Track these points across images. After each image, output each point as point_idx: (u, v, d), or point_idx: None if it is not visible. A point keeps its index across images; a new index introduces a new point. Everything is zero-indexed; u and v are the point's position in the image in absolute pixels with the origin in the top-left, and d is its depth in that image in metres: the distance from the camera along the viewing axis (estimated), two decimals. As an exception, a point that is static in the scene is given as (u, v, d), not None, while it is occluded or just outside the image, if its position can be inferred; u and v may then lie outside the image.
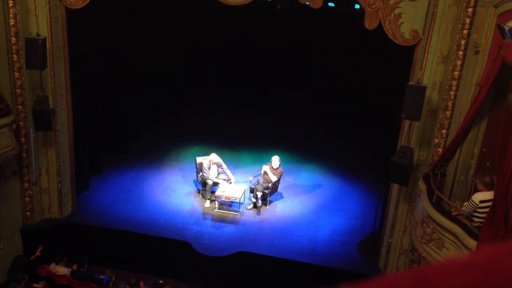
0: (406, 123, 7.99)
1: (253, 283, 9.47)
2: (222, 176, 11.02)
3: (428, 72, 7.57)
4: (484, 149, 6.59)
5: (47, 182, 9.76)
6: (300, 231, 10.14)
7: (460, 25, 7.00)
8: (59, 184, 9.82)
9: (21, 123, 9.01)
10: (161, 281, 9.28)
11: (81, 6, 8.63)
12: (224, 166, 11.08)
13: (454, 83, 7.17)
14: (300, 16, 11.79)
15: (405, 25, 7.50)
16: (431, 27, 7.39)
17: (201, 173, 11.01)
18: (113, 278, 9.55)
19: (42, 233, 9.71)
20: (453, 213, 6.41)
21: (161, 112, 14.10)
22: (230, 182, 10.93)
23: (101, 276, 9.32)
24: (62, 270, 9.09)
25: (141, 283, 8.88)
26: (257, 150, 12.99)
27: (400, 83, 7.90)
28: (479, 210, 6.13)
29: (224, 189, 10.71)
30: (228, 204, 10.81)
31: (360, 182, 11.91)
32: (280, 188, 11.28)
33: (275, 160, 10.82)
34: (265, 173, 10.79)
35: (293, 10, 10.96)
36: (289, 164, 12.06)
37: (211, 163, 10.89)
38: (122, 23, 11.11)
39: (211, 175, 10.86)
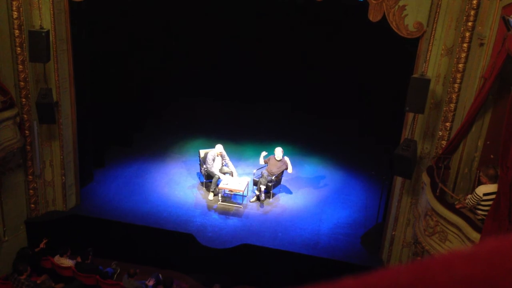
0: (410, 115, 7.97)
1: (256, 276, 9.51)
2: (225, 168, 11.02)
3: (432, 64, 7.54)
4: (488, 142, 6.58)
5: (51, 175, 9.80)
6: (303, 223, 10.16)
7: (464, 17, 6.96)
8: (63, 177, 9.86)
9: (25, 116, 9.03)
10: (160, 274, 9.32)
11: (84, -2, 8.63)
12: (227, 158, 11.09)
13: (459, 75, 7.14)
14: (304, 8, 11.74)
15: (410, 17, 7.46)
16: (436, 19, 7.35)
17: (204, 166, 11.03)
18: (118, 271, 9.60)
19: (47, 226, 9.76)
20: (457, 206, 6.41)
21: (164, 105, 14.11)
22: (232, 175, 10.93)
23: (105, 269, 9.37)
24: (66, 262, 9.14)
25: (137, 271, 8.88)
26: (260, 142, 12.99)
27: (405, 75, 7.88)
28: (482, 203, 6.12)
29: (227, 181, 10.73)
30: (231, 197, 10.83)
31: (364, 175, 11.91)
32: (283, 180, 11.30)
33: (278, 151, 10.82)
34: (269, 164, 10.82)
35: (296, 2, 10.92)
36: (292, 156, 12.04)
37: (217, 154, 10.89)
38: (125, 15, 11.09)
39: (215, 167, 10.86)
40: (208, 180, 10.97)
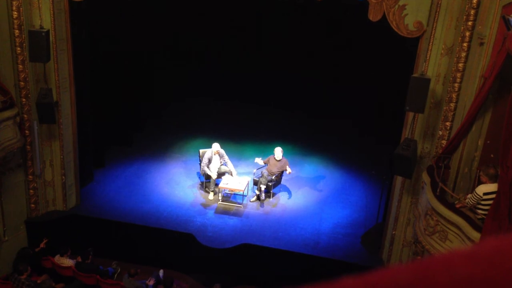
0: (410, 115, 7.97)
1: (256, 275, 9.51)
2: (224, 167, 10.99)
3: (432, 64, 7.54)
4: (488, 141, 6.58)
5: (51, 175, 9.81)
6: (304, 223, 10.16)
7: (464, 17, 6.96)
8: (63, 177, 9.86)
9: (25, 116, 9.03)
10: (161, 270, 9.35)
11: (84, -2, 8.63)
12: (226, 157, 11.05)
13: (459, 75, 7.14)
14: (304, 7, 11.74)
15: (410, 17, 7.46)
16: (436, 18, 7.35)
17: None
18: (118, 270, 9.60)
19: (47, 225, 9.77)
20: (457, 205, 6.41)
21: (164, 105, 14.11)
22: (231, 175, 10.91)
23: (106, 269, 9.38)
24: (66, 262, 9.14)
25: (138, 270, 8.90)
26: (261, 142, 12.99)
27: (405, 75, 7.88)
28: (483, 202, 6.13)
29: (227, 181, 10.72)
30: (230, 197, 10.83)
31: (364, 175, 11.90)
32: (284, 180, 11.29)
33: (278, 151, 10.80)
34: (269, 164, 10.81)
35: (296, 2, 10.91)
36: (292, 156, 12.06)
37: (214, 153, 10.86)
38: (125, 14, 11.09)
39: (213, 166, 10.82)
40: (208, 180, 10.96)
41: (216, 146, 10.87)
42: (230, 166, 11.01)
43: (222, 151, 10.98)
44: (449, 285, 0.57)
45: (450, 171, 7.06)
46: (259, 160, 10.89)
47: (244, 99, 14.22)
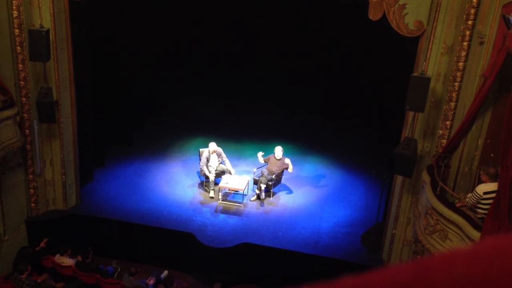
0: (410, 114, 7.97)
1: (256, 274, 9.51)
2: (222, 166, 10.98)
3: (433, 63, 7.53)
4: (488, 141, 6.58)
5: (52, 174, 9.81)
6: (304, 222, 10.16)
7: (464, 16, 6.96)
8: (63, 176, 9.86)
9: (25, 115, 9.03)
10: (166, 271, 9.36)
11: (84, -3, 8.63)
12: (223, 155, 11.04)
13: (459, 74, 7.14)
14: (304, 7, 11.73)
15: (410, 16, 7.46)
16: (436, 17, 7.35)
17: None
18: (119, 270, 9.61)
19: (47, 225, 9.77)
20: (457, 205, 6.41)
21: (164, 104, 14.11)
22: (230, 173, 10.91)
23: (106, 268, 9.38)
24: (67, 261, 9.14)
25: (138, 270, 8.90)
26: (261, 141, 12.99)
27: (405, 74, 7.88)
28: (483, 201, 6.13)
29: (227, 180, 10.72)
30: (230, 196, 10.82)
31: (364, 174, 11.90)
32: (284, 179, 11.29)
33: (278, 150, 10.81)
34: (269, 163, 10.81)
35: (296, 1, 10.92)
36: (292, 155, 12.04)
37: (212, 152, 10.86)
38: (125, 13, 11.09)
39: (211, 165, 10.81)
40: (208, 179, 10.96)
41: (212, 145, 10.87)
42: (228, 164, 11.01)
43: (220, 150, 10.97)
44: (449, 285, 0.57)
45: (450, 170, 7.06)
46: (260, 155, 10.89)
47: (244, 98, 14.21)
